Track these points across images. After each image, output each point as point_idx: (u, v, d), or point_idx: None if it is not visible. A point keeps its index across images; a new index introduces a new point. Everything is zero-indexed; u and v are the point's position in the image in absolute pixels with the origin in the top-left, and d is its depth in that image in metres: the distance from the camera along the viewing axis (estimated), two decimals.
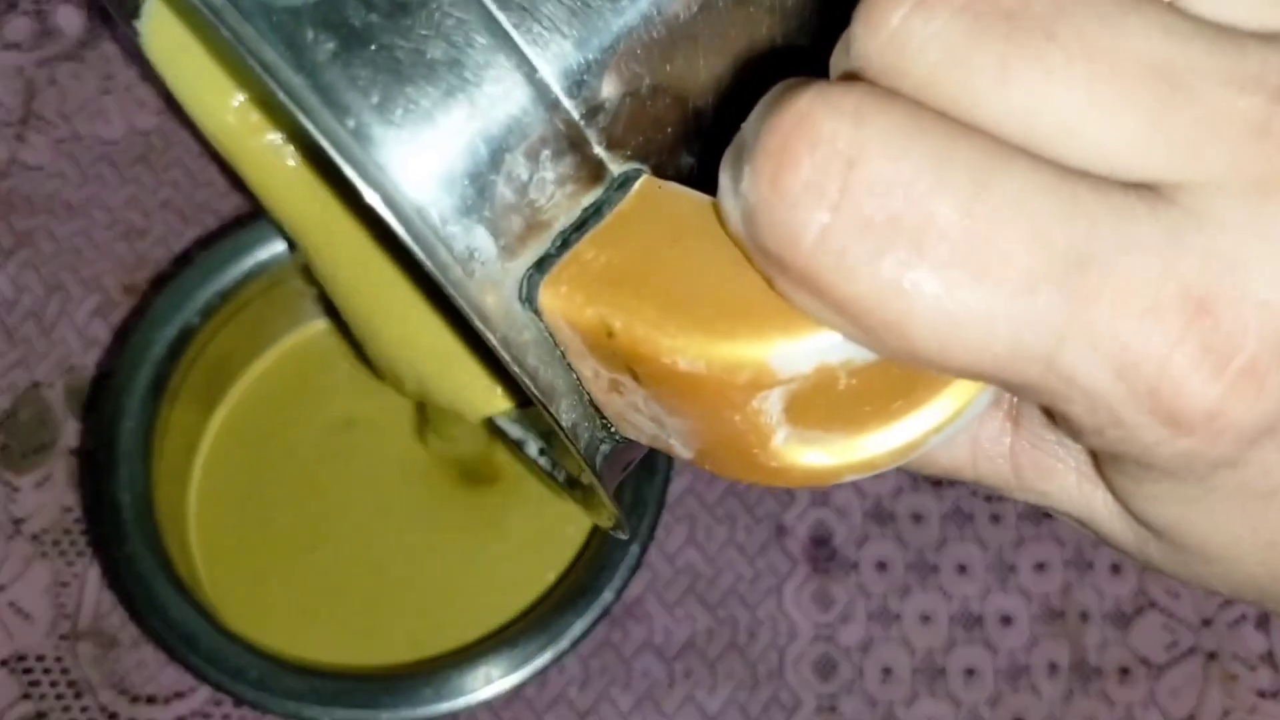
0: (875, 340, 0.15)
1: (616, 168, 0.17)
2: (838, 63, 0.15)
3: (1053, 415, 0.16)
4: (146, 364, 0.42)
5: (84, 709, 0.45)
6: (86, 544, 0.47)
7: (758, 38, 0.19)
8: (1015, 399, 0.19)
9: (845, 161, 0.14)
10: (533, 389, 0.17)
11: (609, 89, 0.17)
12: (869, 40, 0.14)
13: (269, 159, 0.24)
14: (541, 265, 0.17)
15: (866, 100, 0.14)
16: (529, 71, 0.16)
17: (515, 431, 0.26)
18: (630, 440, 0.19)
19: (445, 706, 0.38)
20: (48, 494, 0.48)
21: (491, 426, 0.26)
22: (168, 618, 0.38)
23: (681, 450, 0.18)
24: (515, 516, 0.45)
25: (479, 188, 0.16)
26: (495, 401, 0.25)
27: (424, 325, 0.24)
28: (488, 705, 0.41)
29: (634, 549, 0.40)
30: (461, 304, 0.16)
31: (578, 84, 0.17)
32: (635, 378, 0.17)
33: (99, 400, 0.41)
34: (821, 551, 0.49)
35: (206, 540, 0.45)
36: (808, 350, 0.15)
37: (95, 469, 0.41)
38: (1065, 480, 0.18)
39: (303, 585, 0.45)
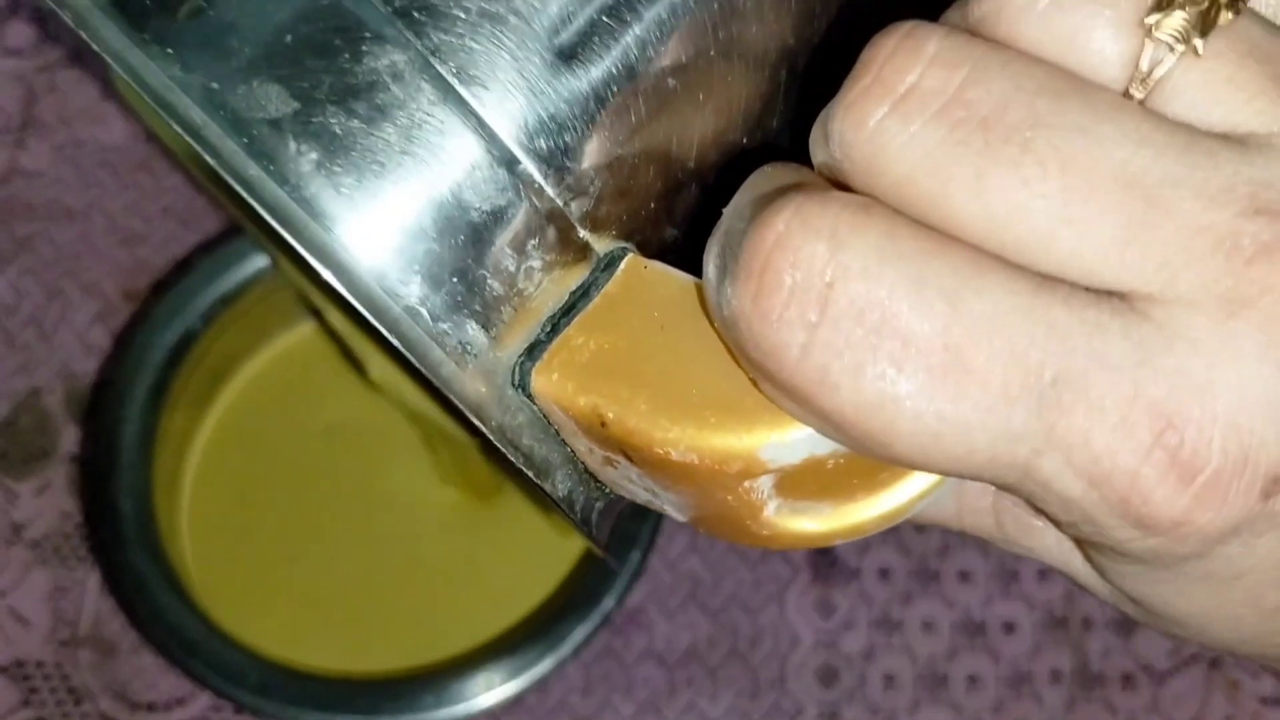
0: (860, 446, 0.15)
1: (602, 247, 0.17)
2: (817, 148, 0.16)
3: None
4: (147, 369, 0.42)
5: (84, 716, 0.45)
6: (86, 550, 0.47)
7: (736, 108, 0.18)
8: None
9: (824, 283, 0.14)
10: (528, 469, 0.17)
11: (591, 170, 0.17)
12: (848, 135, 0.15)
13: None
14: (532, 352, 0.17)
15: (843, 220, 0.14)
16: (511, 162, 0.16)
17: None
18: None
19: (445, 713, 0.38)
20: (47, 500, 0.48)
21: (484, 444, 0.26)
22: (167, 624, 0.38)
23: (676, 515, 0.19)
24: (516, 522, 0.45)
25: (468, 283, 0.16)
26: None
27: None
28: (489, 713, 0.41)
29: (635, 555, 0.40)
30: (456, 400, 0.16)
31: (560, 169, 0.17)
32: (629, 459, 0.17)
33: (99, 406, 0.41)
34: (823, 559, 0.48)
35: (200, 546, 0.45)
36: (796, 443, 0.16)
37: (95, 475, 0.40)
38: (1045, 538, 0.19)
39: (298, 590, 0.44)
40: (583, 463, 0.18)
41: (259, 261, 0.44)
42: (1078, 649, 0.47)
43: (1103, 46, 0.15)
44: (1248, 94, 0.14)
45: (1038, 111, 0.14)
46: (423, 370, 0.16)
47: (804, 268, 0.14)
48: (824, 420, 0.15)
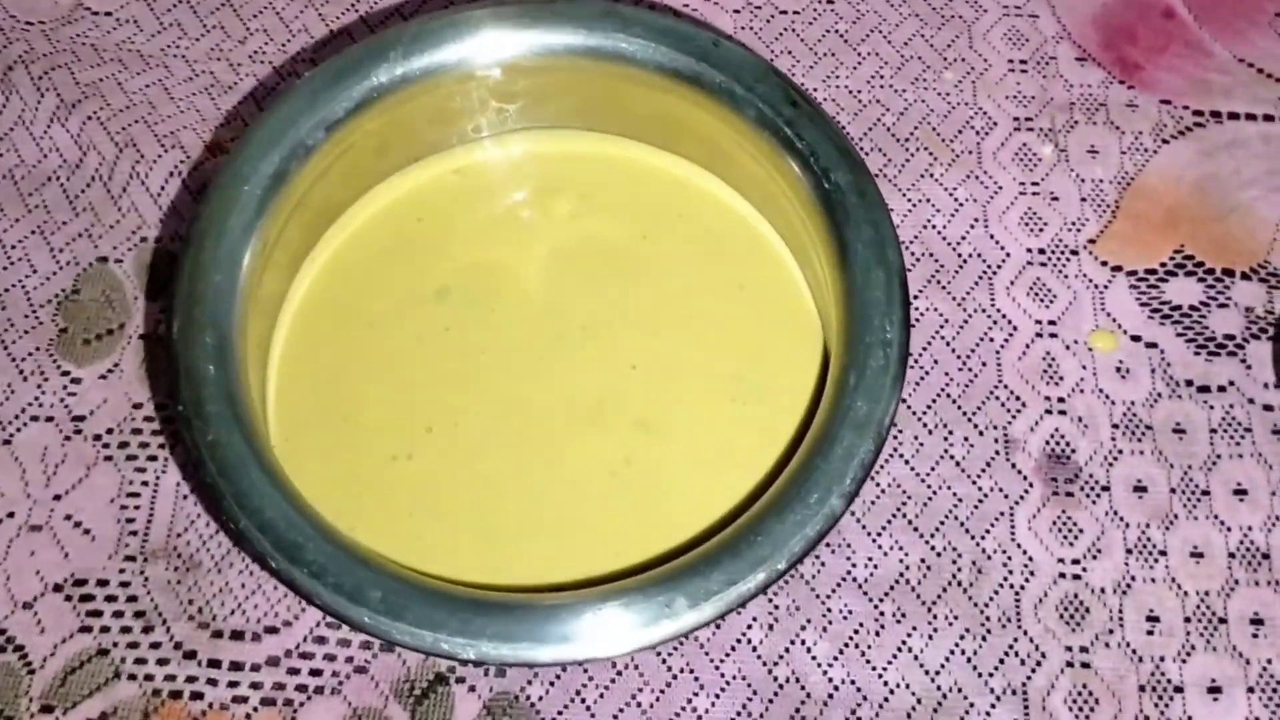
0: None
1: None
2: None
3: None
4: (240, 205, 0.33)
5: (154, 645, 0.36)
6: (160, 446, 0.39)
7: None
8: None
9: None
10: None
11: None
12: None
13: None
14: None
15: None
16: None
17: None
18: None
19: (620, 645, 0.29)
20: (114, 387, 0.39)
21: None
22: (264, 520, 0.30)
23: None
24: (694, 421, 0.36)
25: None
26: None
27: None
28: (657, 646, 0.31)
29: (867, 445, 0.31)
30: None
31: None
32: None
33: (182, 261, 0.33)
34: (1061, 470, 0.39)
35: (292, 435, 0.36)
36: None
37: (173, 334, 0.32)
38: None
39: (400, 499, 0.35)
40: None
41: (378, 78, 0.35)
42: None
43: None
44: None
45: None
46: None
47: None
48: None
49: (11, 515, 0.38)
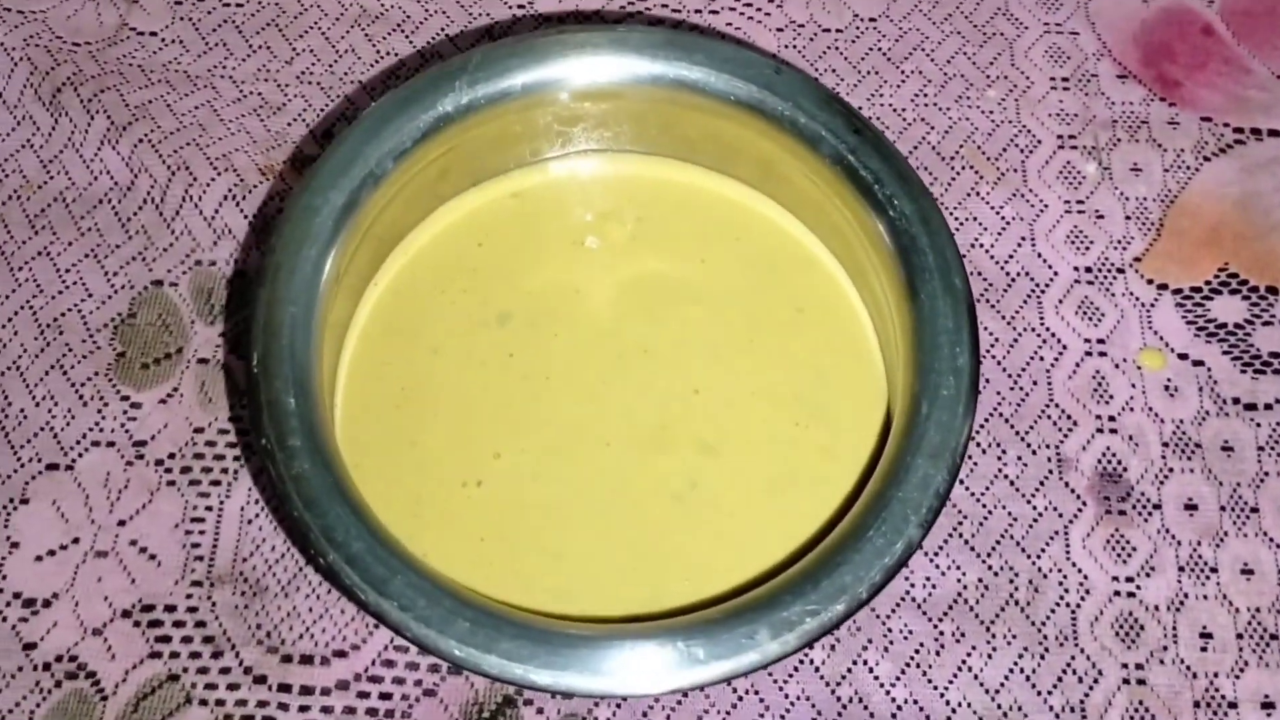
0: None
1: None
2: None
3: None
4: (313, 235, 0.33)
5: (224, 670, 0.37)
6: (222, 470, 0.39)
7: None
8: None
9: None
10: None
11: None
12: None
13: None
14: None
15: None
16: None
17: None
18: None
19: (706, 676, 0.30)
20: (174, 412, 0.40)
21: None
22: (351, 553, 0.30)
23: None
24: (762, 445, 0.37)
25: None
26: None
27: None
28: (745, 672, 0.32)
29: (942, 474, 0.31)
30: None
31: None
32: None
33: (258, 283, 0.33)
34: (1114, 489, 0.39)
35: (360, 458, 0.36)
36: None
37: (253, 367, 0.32)
38: None
39: (471, 525, 0.36)
40: None
41: (435, 113, 0.35)
42: None
43: None
44: None
45: None
46: None
47: None
48: None
49: (77, 541, 0.38)
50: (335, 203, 0.34)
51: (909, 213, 0.34)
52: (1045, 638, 0.38)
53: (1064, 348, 0.41)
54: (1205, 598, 0.38)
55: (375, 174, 0.35)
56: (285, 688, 0.36)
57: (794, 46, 0.46)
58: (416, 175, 0.36)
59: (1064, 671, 0.37)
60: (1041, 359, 0.41)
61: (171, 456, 0.39)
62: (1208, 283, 0.42)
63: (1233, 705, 0.37)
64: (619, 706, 0.36)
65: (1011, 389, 0.41)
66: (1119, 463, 0.40)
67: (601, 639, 0.30)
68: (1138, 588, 0.38)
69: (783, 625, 0.30)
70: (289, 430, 0.31)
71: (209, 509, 0.38)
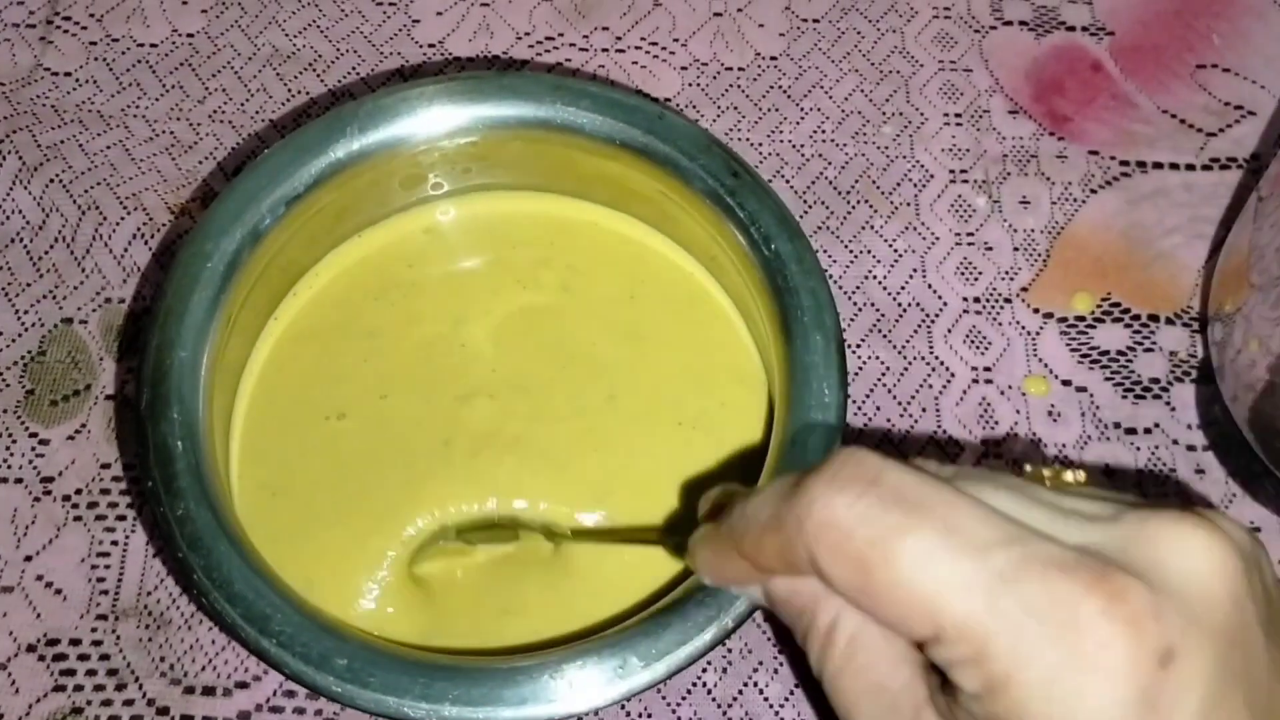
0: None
1: None
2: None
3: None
4: (203, 281, 0.34)
5: (127, 702, 0.37)
6: (128, 505, 0.40)
7: None
8: None
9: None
10: None
11: None
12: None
13: None
14: None
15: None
16: None
17: None
18: None
19: (576, 704, 0.31)
20: (82, 448, 0.41)
21: None
22: (233, 590, 0.31)
23: None
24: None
25: None
26: None
27: None
28: (620, 700, 0.33)
29: None
30: None
31: None
32: None
33: (149, 328, 0.34)
34: None
35: (253, 497, 0.37)
36: None
37: (141, 410, 0.33)
38: None
39: (369, 553, 0.36)
40: None
41: (334, 154, 0.36)
42: None
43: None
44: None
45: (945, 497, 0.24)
46: None
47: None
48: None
49: None
50: (226, 249, 0.35)
51: (784, 253, 0.36)
52: None
53: (952, 375, 0.43)
54: None
55: (267, 220, 0.36)
56: (188, 719, 0.37)
57: (697, 84, 0.47)
58: (311, 219, 0.37)
59: None
60: (930, 386, 0.42)
61: (78, 492, 0.40)
62: (1091, 312, 0.44)
63: None
64: None
65: (901, 416, 0.42)
66: None
67: (477, 671, 0.31)
68: None
69: (652, 654, 0.31)
70: (175, 473, 0.32)
71: (114, 544, 0.39)
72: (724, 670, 0.38)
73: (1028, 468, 0.28)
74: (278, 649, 0.30)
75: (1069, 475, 0.27)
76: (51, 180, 0.44)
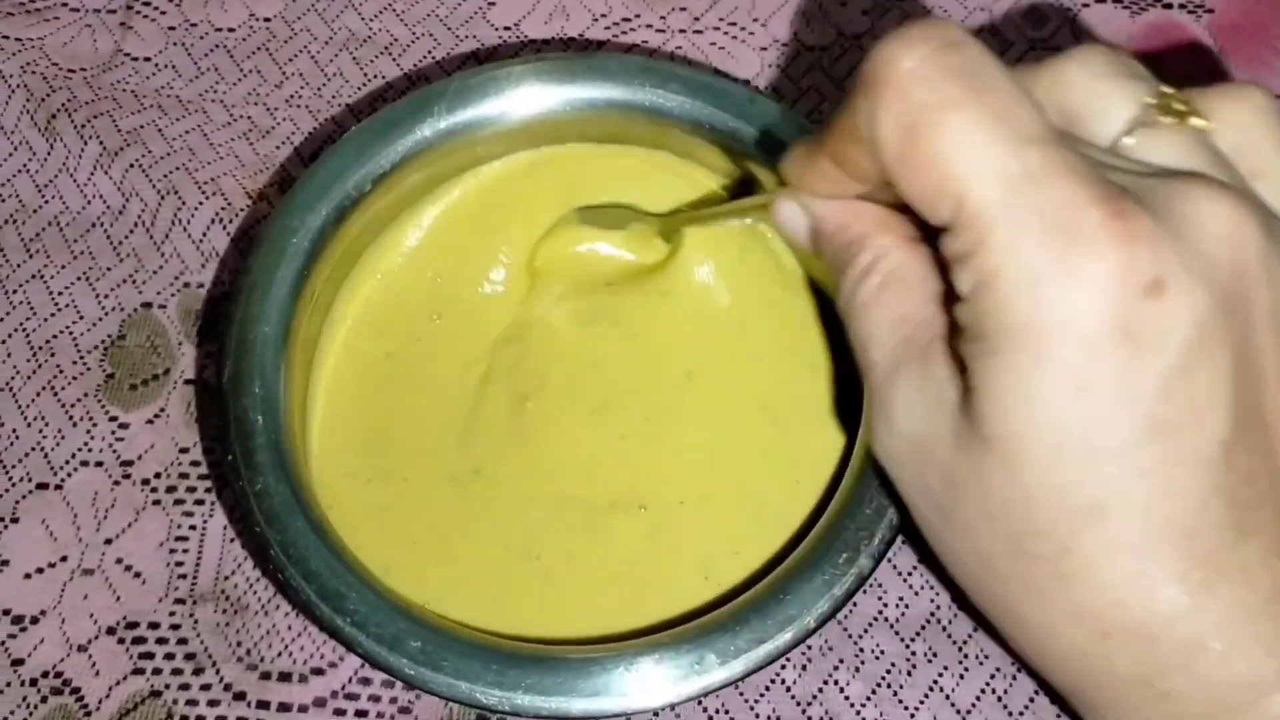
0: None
1: None
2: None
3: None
4: (288, 256, 0.34)
5: (204, 687, 0.37)
6: (207, 490, 0.40)
7: None
8: None
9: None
10: None
11: None
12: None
13: None
14: None
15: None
16: None
17: None
18: None
19: (649, 699, 0.30)
20: (161, 432, 0.41)
21: None
22: (309, 569, 0.31)
23: None
24: (729, 463, 0.37)
25: None
26: None
27: None
28: (696, 697, 0.32)
29: (893, 511, 0.31)
30: None
31: None
32: None
33: (232, 304, 0.34)
34: None
35: (333, 479, 0.36)
36: None
37: (223, 384, 0.33)
38: None
39: (448, 538, 0.36)
40: None
41: (413, 138, 0.36)
42: None
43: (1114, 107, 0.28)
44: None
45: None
46: None
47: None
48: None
49: (64, 559, 0.39)
50: (311, 225, 0.35)
51: None
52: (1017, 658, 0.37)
53: None
54: None
55: (353, 196, 0.35)
56: (264, 704, 0.37)
57: (777, 65, 0.46)
58: (395, 198, 0.37)
59: (1035, 693, 0.37)
60: None
61: (157, 476, 0.40)
62: None
63: None
64: None
65: None
66: None
67: (551, 660, 0.30)
68: None
69: (729, 652, 0.30)
70: (254, 447, 0.32)
71: (193, 528, 0.39)
72: (803, 668, 0.38)
73: (1164, 88, 0.27)
74: (351, 628, 0.30)
75: (1197, 121, 0.27)
76: (131, 165, 0.44)
